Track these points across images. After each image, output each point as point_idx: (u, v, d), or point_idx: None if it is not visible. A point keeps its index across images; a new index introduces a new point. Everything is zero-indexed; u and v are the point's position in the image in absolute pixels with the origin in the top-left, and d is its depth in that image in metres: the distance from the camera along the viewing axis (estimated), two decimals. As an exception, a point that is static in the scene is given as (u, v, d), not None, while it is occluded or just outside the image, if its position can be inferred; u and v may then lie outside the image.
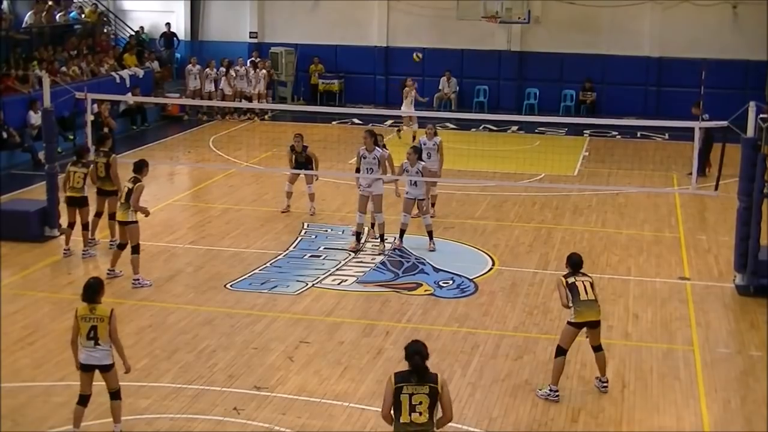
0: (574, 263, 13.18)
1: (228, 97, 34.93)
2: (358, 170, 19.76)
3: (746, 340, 15.16)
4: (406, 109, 30.14)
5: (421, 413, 9.15)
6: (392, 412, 9.30)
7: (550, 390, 12.98)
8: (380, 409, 9.58)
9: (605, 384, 13.23)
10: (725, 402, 13.10)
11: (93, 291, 11.53)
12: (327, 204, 22.86)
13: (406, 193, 19.48)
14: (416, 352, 9.27)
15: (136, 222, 17.10)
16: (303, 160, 21.67)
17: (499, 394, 13.07)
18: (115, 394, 11.58)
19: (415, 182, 19.31)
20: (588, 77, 36.29)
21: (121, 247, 17.32)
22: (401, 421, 9.21)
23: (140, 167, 17.50)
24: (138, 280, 17.04)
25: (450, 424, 9.55)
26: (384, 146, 20.39)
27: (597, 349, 13.23)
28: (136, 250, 17.02)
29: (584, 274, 13.17)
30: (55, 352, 14.07)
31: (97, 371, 11.48)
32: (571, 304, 12.89)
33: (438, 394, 9.21)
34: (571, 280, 13.00)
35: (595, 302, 12.99)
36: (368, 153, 19.29)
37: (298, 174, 21.62)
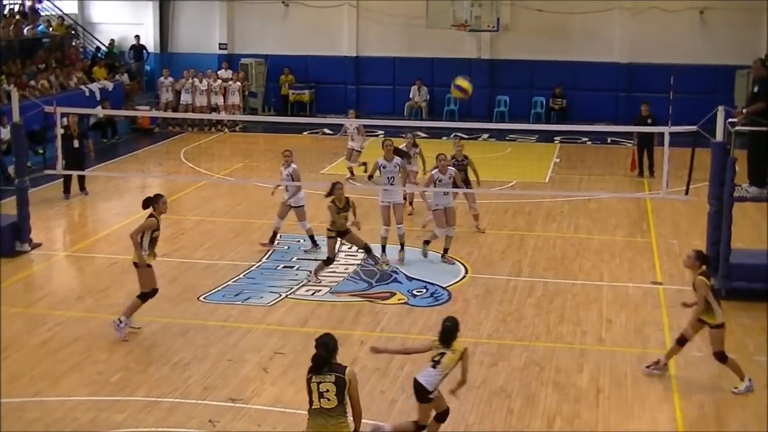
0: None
1: (199, 109, 34.89)
2: (370, 177, 19.65)
3: (719, 343, 15.23)
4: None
5: (329, 399, 9.85)
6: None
7: (749, 382, 13.38)
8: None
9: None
10: (699, 405, 13.17)
11: None
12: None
13: (436, 204, 19.18)
14: (321, 344, 10.13)
15: (150, 266, 15.48)
16: (463, 177, 20.91)
17: (475, 402, 13.09)
18: None
19: (447, 191, 19.08)
20: (558, 84, 36.44)
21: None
22: (313, 407, 9.95)
23: (152, 202, 15.83)
24: (121, 322, 15.17)
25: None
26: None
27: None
28: (145, 297, 15.40)
29: None
30: (28, 368, 13.99)
31: None
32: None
33: (345, 384, 9.86)
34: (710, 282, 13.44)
35: None
36: (388, 162, 19.22)
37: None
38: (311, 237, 20.08)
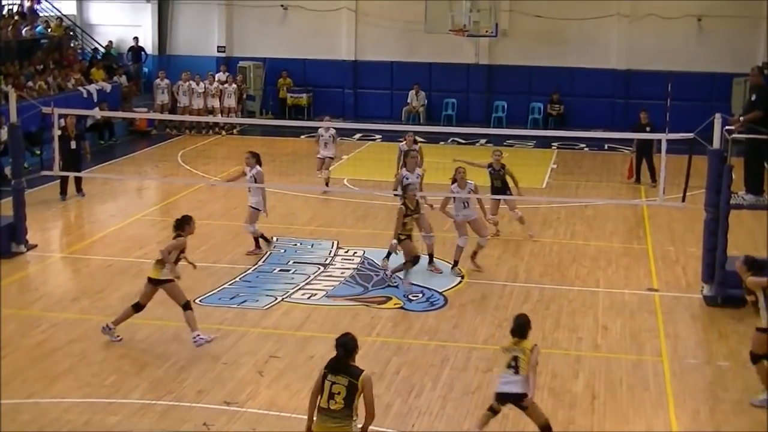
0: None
1: (196, 112, 34.92)
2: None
3: (714, 351, 15.25)
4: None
5: (337, 402, 9.94)
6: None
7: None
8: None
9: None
10: (694, 412, 13.17)
11: None
12: (296, 218, 22.86)
13: (456, 215, 19.09)
14: (341, 344, 10.17)
15: (172, 280, 15.15)
16: (500, 185, 21.19)
17: (470, 407, 13.07)
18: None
19: (467, 203, 18.99)
20: (556, 90, 36.49)
21: (137, 308, 15.27)
22: (320, 405, 10.05)
23: (182, 223, 15.42)
24: (197, 336, 14.95)
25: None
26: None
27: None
28: (187, 306, 15.12)
29: None
30: (23, 369, 13.96)
31: None
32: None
33: (357, 389, 9.93)
34: None
35: None
36: (410, 174, 19.06)
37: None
38: (257, 239, 20.00)
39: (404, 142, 23.08)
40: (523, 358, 11.47)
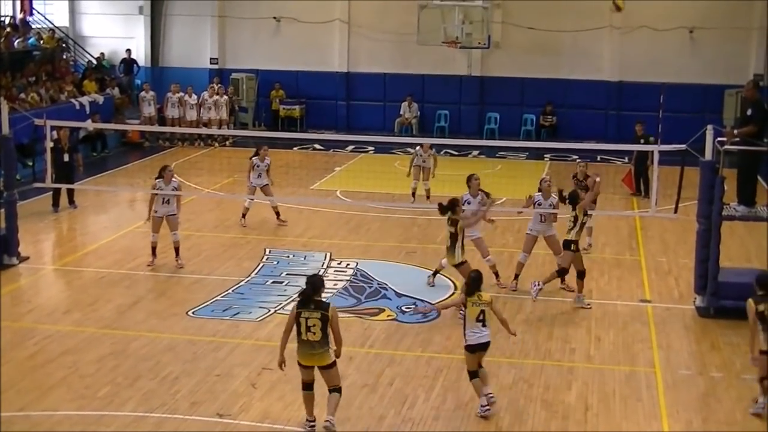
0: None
1: (188, 123, 34.93)
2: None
3: (707, 362, 15.26)
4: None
5: (314, 333, 11.91)
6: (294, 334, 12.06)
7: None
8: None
9: None
10: (687, 423, 13.17)
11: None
12: (290, 230, 22.84)
13: (530, 229, 18.89)
14: (309, 282, 12.20)
15: (465, 262, 16.96)
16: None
17: (463, 419, 13.06)
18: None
19: (543, 217, 18.74)
20: (548, 101, 36.57)
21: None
22: (301, 338, 11.98)
23: (453, 206, 17.14)
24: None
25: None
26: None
27: None
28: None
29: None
30: (15, 381, 13.91)
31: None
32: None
33: (328, 319, 11.92)
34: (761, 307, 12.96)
35: None
36: (473, 198, 18.65)
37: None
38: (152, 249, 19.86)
39: (418, 148, 24.86)
40: (489, 311, 13.06)
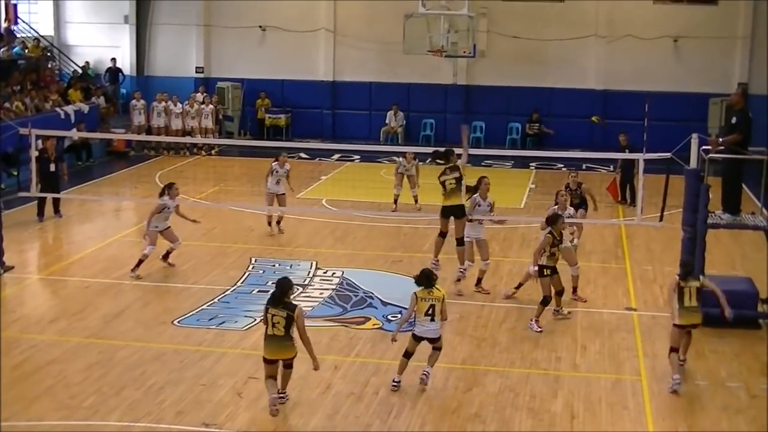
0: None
1: (173, 132, 34.91)
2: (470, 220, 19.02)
3: (693, 370, 15.28)
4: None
5: (278, 329, 12.93)
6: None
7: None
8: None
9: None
10: (673, 429, 13.19)
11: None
12: (275, 239, 22.83)
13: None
14: (278, 285, 13.19)
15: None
16: (579, 202, 21.59)
17: (450, 427, 13.07)
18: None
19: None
20: (535, 110, 36.66)
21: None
22: (267, 334, 13.04)
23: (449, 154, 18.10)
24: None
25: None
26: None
27: None
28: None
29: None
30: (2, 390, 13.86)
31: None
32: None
33: (293, 319, 12.86)
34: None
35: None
36: (483, 201, 18.80)
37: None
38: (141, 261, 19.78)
39: (402, 158, 24.95)
40: (438, 306, 13.86)
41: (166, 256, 20.25)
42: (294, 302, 13.17)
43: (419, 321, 14.00)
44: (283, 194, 23.04)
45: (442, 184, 17.96)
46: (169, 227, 20.11)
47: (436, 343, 14.20)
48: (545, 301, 16.95)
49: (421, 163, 26.04)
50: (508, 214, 24.52)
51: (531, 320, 16.94)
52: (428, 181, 25.44)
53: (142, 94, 36.13)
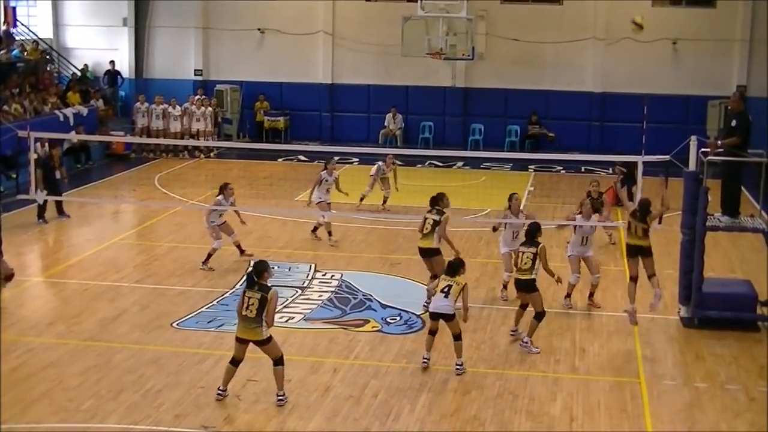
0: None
1: (172, 135, 34.90)
2: (494, 229, 19.25)
3: (692, 372, 15.29)
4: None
5: (251, 311, 13.32)
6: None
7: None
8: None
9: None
10: (672, 434, 13.21)
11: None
12: (273, 241, 22.82)
13: (572, 252, 18.64)
14: (254, 266, 13.78)
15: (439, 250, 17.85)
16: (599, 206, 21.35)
17: (449, 429, 13.05)
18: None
19: (585, 239, 18.62)
20: (533, 111, 36.63)
21: None
22: (241, 314, 13.45)
23: (440, 198, 18.13)
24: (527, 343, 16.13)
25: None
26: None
27: None
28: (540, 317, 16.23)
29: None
30: (-2, 394, 13.85)
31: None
32: None
33: (266, 301, 13.26)
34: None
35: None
36: (512, 215, 18.73)
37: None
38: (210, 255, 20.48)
39: (380, 163, 24.90)
40: (456, 287, 14.81)
41: (241, 251, 21.04)
42: (268, 285, 13.50)
43: (435, 297, 15.11)
44: (329, 202, 22.98)
45: (424, 220, 18.04)
46: (225, 222, 20.85)
47: (450, 321, 14.86)
48: (540, 317, 16.14)
49: (399, 163, 26.19)
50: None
51: (524, 339, 16.20)
52: (429, 184, 25.45)
53: (145, 97, 36.10)
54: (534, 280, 16.21)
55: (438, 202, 18.17)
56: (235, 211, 21.15)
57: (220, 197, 20.62)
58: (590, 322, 17.62)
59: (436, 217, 17.83)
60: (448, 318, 14.86)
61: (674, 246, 18.79)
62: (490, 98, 37.24)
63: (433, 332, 15.07)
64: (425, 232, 17.88)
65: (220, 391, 13.73)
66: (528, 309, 16.42)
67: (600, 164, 32.76)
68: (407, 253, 21.80)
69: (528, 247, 16.31)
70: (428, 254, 17.93)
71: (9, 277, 17.60)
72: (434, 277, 17.32)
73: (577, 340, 16.65)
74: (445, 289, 14.85)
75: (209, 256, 20.39)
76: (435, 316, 14.99)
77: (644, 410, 13.82)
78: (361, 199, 25.66)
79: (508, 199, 19.02)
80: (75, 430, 12.62)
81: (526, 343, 16.08)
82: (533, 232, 16.58)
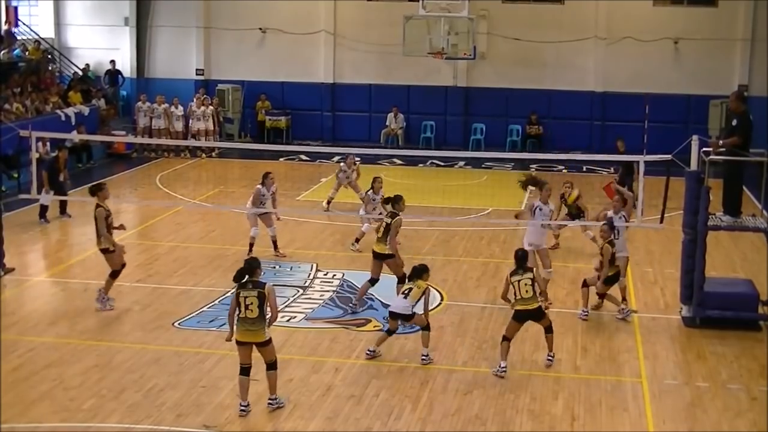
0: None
1: (174, 134, 34.91)
2: (517, 216, 19.11)
3: (693, 371, 15.28)
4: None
5: (252, 310, 12.99)
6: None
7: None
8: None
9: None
10: (673, 433, 13.20)
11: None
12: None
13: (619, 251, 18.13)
14: (246, 262, 13.37)
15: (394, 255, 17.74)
16: (575, 211, 22.12)
17: (450, 429, 13.05)
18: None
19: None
20: (533, 111, 36.61)
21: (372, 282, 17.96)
22: (240, 316, 13.07)
23: (396, 200, 18.02)
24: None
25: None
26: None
27: None
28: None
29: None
30: (-1, 394, 13.85)
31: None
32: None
33: (265, 297, 12.98)
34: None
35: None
36: (544, 205, 18.54)
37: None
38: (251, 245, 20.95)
39: (344, 164, 25.27)
40: (416, 291, 15.16)
41: (275, 247, 21.37)
42: (261, 280, 13.34)
43: (395, 298, 15.97)
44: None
45: (381, 222, 18.22)
46: (268, 214, 21.30)
47: (408, 321, 15.40)
48: (551, 329, 15.47)
49: (358, 159, 26.39)
50: (507, 217, 24.51)
51: (549, 356, 15.49)
52: (430, 183, 25.43)
53: (147, 96, 36.11)
54: (540, 306, 15.32)
55: (394, 204, 17.93)
56: (274, 201, 21.59)
57: (260, 186, 21.07)
58: (592, 321, 17.60)
59: (388, 221, 17.69)
60: (407, 318, 15.33)
61: (676, 245, 18.79)
62: (491, 98, 37.22)
63: (390, 332, 15.50)
64: (379, 235, 17.92)
65: (242, 407, 13.27)
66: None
67: (601, 164, 32.73)
68: (409, 253, 21.75)
69: (522, 274, 15.05)
70: (379, 257, 17.84)
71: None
72: (402, 279, 17.36)
73: (578, 340, 16.63)
74: (406, 291, 15.33)
75: (250, 246, 20.99)
76: (394, 316, 15.39)
77: (646, 410, 13.82)
78: (328, 202, 25.48)
79: (539, 188, 18.88)
80: (76, 430, 12.62)
81: (551, 357, 15.48)
82: (523, 258, 15.41)
